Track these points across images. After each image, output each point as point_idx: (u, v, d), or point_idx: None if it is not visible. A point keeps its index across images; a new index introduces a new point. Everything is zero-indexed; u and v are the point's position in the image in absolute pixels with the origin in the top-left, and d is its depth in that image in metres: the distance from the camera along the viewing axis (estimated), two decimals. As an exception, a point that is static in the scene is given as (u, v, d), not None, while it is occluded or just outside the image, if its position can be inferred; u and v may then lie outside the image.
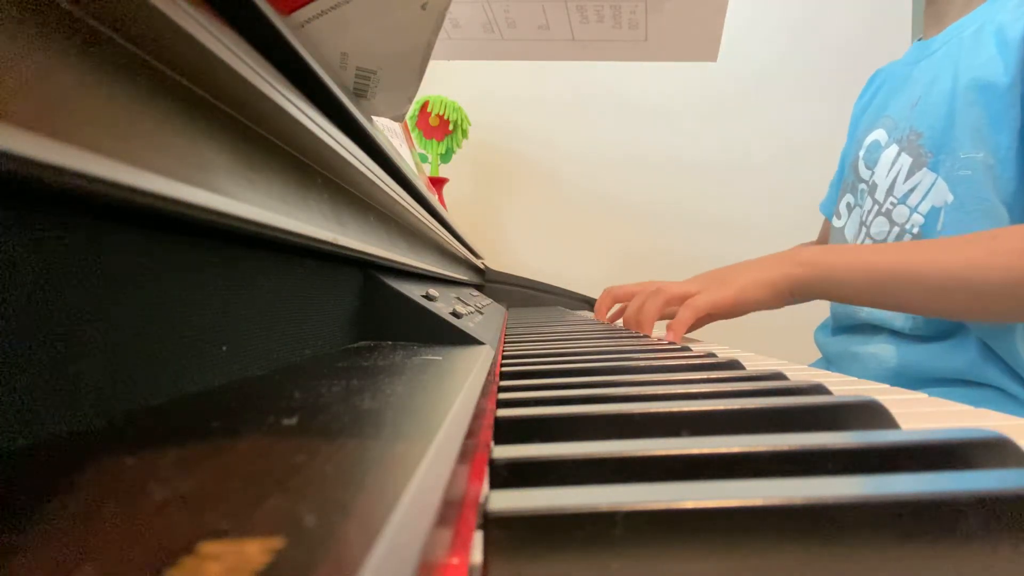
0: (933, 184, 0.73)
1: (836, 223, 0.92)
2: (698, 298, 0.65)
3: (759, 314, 0.72)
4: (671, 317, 0.67)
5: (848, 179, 0.90)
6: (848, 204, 0.89)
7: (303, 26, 0.35)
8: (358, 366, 0.27)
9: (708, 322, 0.69)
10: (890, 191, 0.78)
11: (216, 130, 0.19)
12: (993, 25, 0.71)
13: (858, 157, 0.87)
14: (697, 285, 0.68)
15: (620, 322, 0.92)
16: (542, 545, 0.14)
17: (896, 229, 0.77)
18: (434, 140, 1.53)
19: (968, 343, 0.70)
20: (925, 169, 0.74)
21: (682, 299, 0.67)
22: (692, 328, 0.66)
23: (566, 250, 1.81)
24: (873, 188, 0.82)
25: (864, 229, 0.83)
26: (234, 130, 0.21)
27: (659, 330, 0.70)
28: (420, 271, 0.52)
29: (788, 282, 0.66)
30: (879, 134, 0.84)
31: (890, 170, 0.79)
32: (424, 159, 1.54)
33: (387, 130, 0.69)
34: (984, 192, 0.68)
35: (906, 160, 0.77)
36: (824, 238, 1.05)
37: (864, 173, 0.85)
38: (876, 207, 0.80)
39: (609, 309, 0.92)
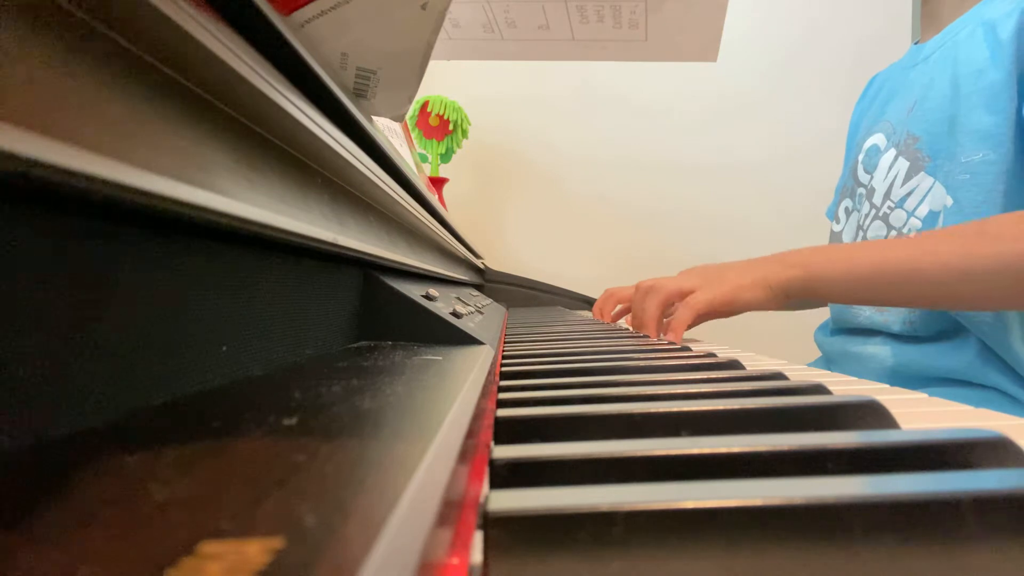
0: (931, 188, 0.73)
1: (835, 227, 0.92)
2: (696, 296, 0.66)
3: (759, 314, 0.72)
4: (671, 315, 0.67)
5: (848, 184, 0.90)
6: (847, 208, 0.90)
7: (303, 26, 0.35)
8: (358, 366, 0.27)
9: (705, 320, 0.69)
10: (887, 195, 0.79)
11: (216, 130, 0.19)
12: (985, 25, 0.71)
13: (857, 161, 0.88)
14: (692, 282, 0.68)
15: (621, 322, 0.92)
16: (542, 545, 0.14)
17: (893, 233, 0.77)
18: (434, 140, 1.53)
19: (967, 344, 0.70)
20: (923, 173, 0.74)
21: (679, 295, 0.67)
22: (690, 327, 0.67)
23: (566, 250, 1.81)
24: (871, 192, 0.82)
25: (861, 233, 0.83)
26: (234, 130, 0.21)
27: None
28: (420, 271, 0.52)
29: (781, 283, 0.66)
30: (878, 138, 0.84)
31: (888, 174, 0.79)
32: (424, 159, 1.54)
33: (387, 130, 0.69)
34: (984, 194, 0.68)
35: (903, 164, 0.77)
36: None
37: (863, 177, 0.85)
38: (873, 211, 0.81)
39: (612, 310, 0.93)
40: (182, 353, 0.19)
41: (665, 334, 0.66)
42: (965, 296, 0.62)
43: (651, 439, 0.20)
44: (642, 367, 0.38)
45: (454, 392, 0.21)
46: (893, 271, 0.62)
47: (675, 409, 0.24)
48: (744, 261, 0.71)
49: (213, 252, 0.22)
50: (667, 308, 0.68)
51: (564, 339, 0.59)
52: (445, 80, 1.60)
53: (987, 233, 0.59)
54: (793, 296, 0.67)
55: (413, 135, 1.51)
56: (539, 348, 0.50)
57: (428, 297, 0.44)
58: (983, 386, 0.69)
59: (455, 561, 0.12)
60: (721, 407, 0.24)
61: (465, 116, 1.55)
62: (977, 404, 0.30)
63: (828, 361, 0.88)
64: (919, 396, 0.32)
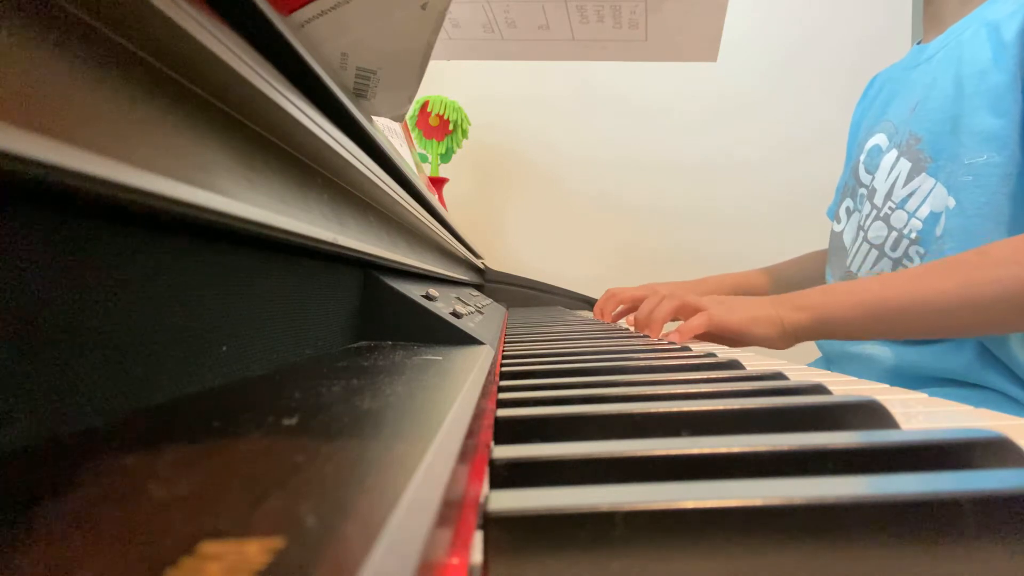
0: (932, 189, 0.73)
1: (836, 227, 0.92)
2: (712, 312, 0.67)
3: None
4: (677, 322, 0.68)
5: (849, 184, 0.90)
6: (848, 209, 0.89)
7: (303, 26, 0.35)
8: (358, 366, 0.27)
9: (710, 338, 0.70)
10: (888, 196, 0.78)
11: (216, 130, 0.19)
12: (989, 26, 0.71)
13: (859, 162, 0.87)
14: (707, 303, 0.69)
15: (622, 322, 0.92)
16: (542, 545, 0.14)
17: (894, 234, 0.77)
18: (434, 140, 1.53)
19: (966, 345, 0.70)
20: (924, 174, 0.74)
21: (693, 309, 0.69)
22: (695, 336, 0.68)
23: (566, 250, 1.81)
24: (872, 193, 0.82)
25: (862, 233, 0.82)
26: (234, 130, 0.21)
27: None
28: (420, 271, 0.52)
29: (792, 323, 0.68)
30: (880, 139, 0.84)
31: (889, 175, 0.79)
32: (424, 159, 1.54)
33: (387, 130, 0.69)
34: (987, 196, 0.68)
35: (905, 165, 0.77)
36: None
37: (864, 178, 0.85)
38: (874, 212, 0.80)
39: (613, 310, 0.93)
40: (182, 353, 0.19)
41: (669, 334, 0.66)
42: (970, 323, 0.63)
43: (651, 439, 0.20)
44: (642, 367, 0.38)
45: (454, 392, 0.21)
46: (897, 306, 0.64)
47: (675, 409, 0.24)
48: (755, 298, 0.72)
49: (213, 252, 0.22)
50: (676, 316, 0.69)
51: (564, 339, 0.59)
52: (445, 80, 1.60)
53: (988, 260, 0.60)
54: (802, 338, 0.69)
55: (413, 135, 1.51)
56: (539, 348, 0.50)
57: (428, 297, 0.44)
58: (982, 387, 0.69)
59: (455, 561, 0.12)
60: (721, 407, 0.24)
61: (465, 116, 1.55)
62: (977, 404, 0.30)
63: (828, 361, 0.88)
64: (919, 396, 0.32)
